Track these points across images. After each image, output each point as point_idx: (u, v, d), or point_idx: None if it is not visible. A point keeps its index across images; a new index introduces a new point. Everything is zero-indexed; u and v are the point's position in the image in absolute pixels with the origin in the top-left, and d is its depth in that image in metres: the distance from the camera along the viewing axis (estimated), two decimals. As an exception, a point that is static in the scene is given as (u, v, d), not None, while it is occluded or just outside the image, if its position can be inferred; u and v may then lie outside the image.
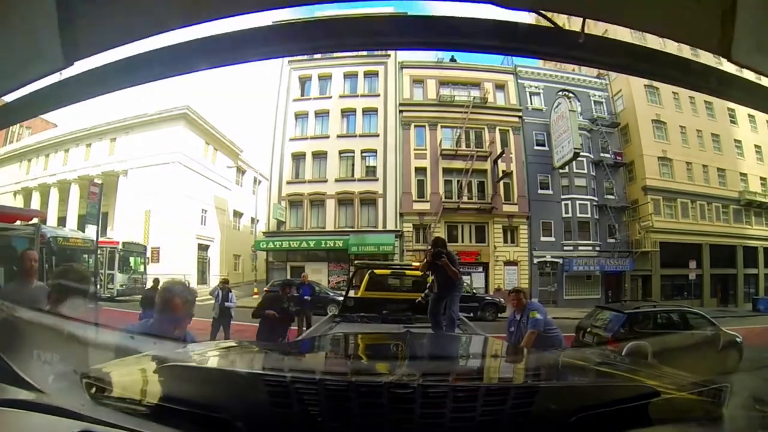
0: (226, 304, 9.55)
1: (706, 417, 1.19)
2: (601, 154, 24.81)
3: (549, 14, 1.24)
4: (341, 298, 11.99)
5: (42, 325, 2.08)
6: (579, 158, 22.91)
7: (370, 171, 24.13)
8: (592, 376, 1.63)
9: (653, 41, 2.00)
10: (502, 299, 17.51)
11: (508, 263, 23.91)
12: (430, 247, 5.55)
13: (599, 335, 8.75)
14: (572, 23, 1.29)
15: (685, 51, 1.85)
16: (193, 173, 26.51)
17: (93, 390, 1.25)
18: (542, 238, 24.09)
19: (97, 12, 1.42)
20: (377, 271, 9.71)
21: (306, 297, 10.76)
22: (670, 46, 1.54)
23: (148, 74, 1.70)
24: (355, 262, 16.99)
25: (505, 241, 24.16)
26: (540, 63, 25.41)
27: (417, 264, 8.15)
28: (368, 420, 1.01)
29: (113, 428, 0.98)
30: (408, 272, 10.39)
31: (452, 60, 26.01)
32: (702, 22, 1.23)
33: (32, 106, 1.75)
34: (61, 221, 24.80)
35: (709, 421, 1.17)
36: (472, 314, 14.03)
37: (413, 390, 1.05)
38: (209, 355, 1.87)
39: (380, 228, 23.24)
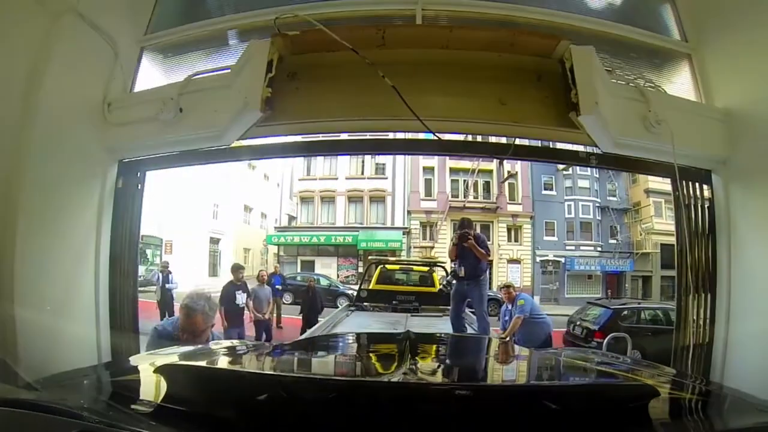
0: (167, 286, 10.37)
1: (706, 417, 1.21)
2: (605, 157, 25.50)
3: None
4: (350, 291, 13.14)
5: (42, 325, 2.12)
6: (582, 160, 23.63)
7: (380, 169, 25.05)
8: (592, 376, 1.63)
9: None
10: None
11: (511, 261, 24.69)
12: (457, 230, 5.32)
13: (587, 328, 9.78)
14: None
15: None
16: (206, 168, 27.44)
17: (93, 390, 1.29)
18: (545, 238, 24.86)
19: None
20: (388, 266, 10.77)
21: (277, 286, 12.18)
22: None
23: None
24: (369, 257, 17.97)
25: (509, 240, 24.90)
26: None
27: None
28: (369, 420, 1.02)
29: (113, 428, 0.98)
30: (416, 268, 11.56)
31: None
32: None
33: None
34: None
35: (709, 421, 1.18)
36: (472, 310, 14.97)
37: (414, 390, 1.09)
38: (209, 355, 1.90)
39: (389, 225, 24.17)
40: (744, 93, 2.62)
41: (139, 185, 2.74)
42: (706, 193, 2.73)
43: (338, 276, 23.43)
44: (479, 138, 3.14)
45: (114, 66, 2.75)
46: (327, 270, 23.27)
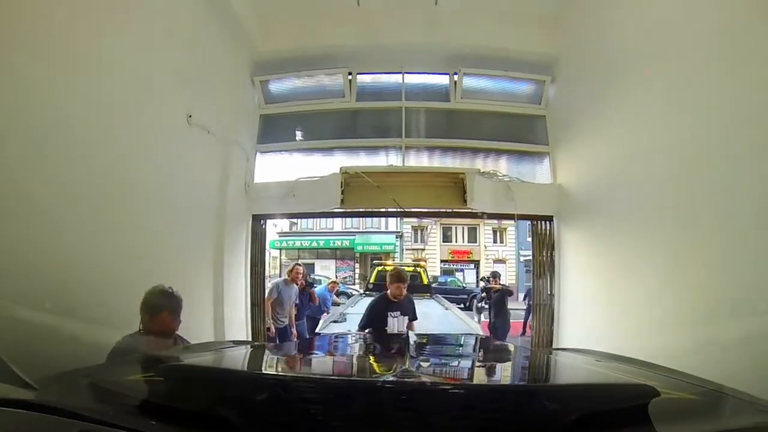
0: None
1: (706, 417, 1.24)
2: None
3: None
4: (350, 291, 16.76)
5: (42, 324, 2.20)
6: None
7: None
8: (592, 376, 1.65)
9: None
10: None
11: (497, 261, 26.87)
12: None
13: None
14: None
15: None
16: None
17: (93, 389, 1.31)
18: (528, 239, 26.85)
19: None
20: (387, 268, 14.14)
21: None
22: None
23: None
24: (373, 262, 20.89)
25: (495, 241, 27.19)
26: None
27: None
28: (368, 419, 1.04)
29: (113, 428, 0.99)
30: (407, 268, 14.78)
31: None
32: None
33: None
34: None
35: (709, 421, 1.20)
36: (462, 306, 17.08)
37: (414, 389, 1.12)
38: (209, 355, 1.95)
39: (383, 229, 26.49)
40: (569, 176, 5.40)
41: (264, 225, 5.50)
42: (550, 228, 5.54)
43: (337, 277, 25.46)
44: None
45: (247, 164, 5.50)
46: (326, 272, 25.31)
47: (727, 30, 2.76)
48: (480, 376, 1.73)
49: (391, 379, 1.25)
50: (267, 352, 2.45)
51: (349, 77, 5.59)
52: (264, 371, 1.66)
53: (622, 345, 3.27)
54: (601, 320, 4.36)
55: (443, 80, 5.75)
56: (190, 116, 4.14)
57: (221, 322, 4.73)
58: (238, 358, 1.99)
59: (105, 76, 3.02)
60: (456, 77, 5.58)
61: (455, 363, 1.97)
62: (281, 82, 5.70)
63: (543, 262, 5.48)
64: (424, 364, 1.65)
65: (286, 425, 1.03)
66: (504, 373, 1.86)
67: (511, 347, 2.95)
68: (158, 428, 1.04)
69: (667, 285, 3.27)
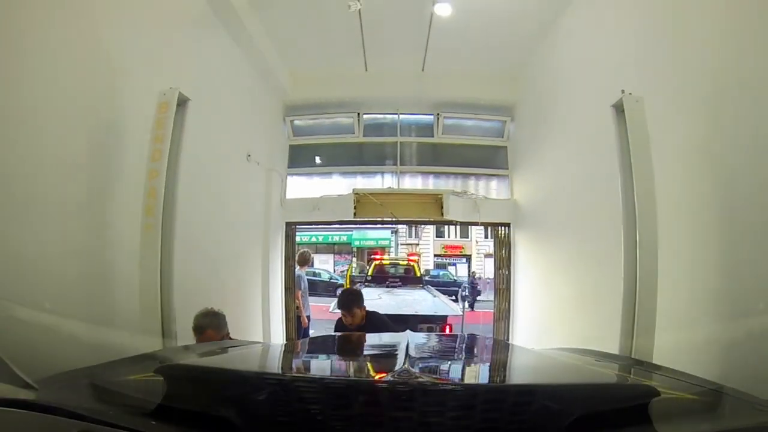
0: None
1: (705, 417, 1.26)
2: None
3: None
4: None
5: (42, 324, 2.26)
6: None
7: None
8: (592, 376, 1.66)
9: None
10: (478, 285, 23.40)
11: (487, 255, 29.02)
12: None
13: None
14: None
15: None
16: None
17: (93, 389, 1.33)
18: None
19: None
20: (384, 262, 16.23)
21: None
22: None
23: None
24: (371, 256, 23.02)
25: (485, 237, 29.33)
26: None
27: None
28: (369, 419, 1.06)
29: (113, 428, 1.01)
30: (400, 263, 16.87)
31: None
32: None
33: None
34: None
35: (709, 421, 1.23)
36: (453, 297, 18.94)
37: (413, 389, 1.12)
38: (209, 355, 2.01)
39: (378, 225, 28.54)
40: (522, 193, 7.46)
41: (294, 230, 7.54)
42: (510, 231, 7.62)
43: (335, 270, 27.51)
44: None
45: (281, 184, 7.52)
46: (325, 265, 27.38)
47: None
48: (480, 376, 1.81)
49: (390, 379, 1.25)
50: (267, 351, 2.52)
51: (358, 117, 7.67)
52: (264, 371, 1.73)
53: (551, 320, 5.67)
54: (541, 301, 6.37)
55: (429, 119, 7.89)
56: (249, 155, 6.14)
57: (267, 301, 6.78)
58: (238, 358, 2.04)
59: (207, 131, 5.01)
60: (439, 118, 7.68)
61: (455, 363, 2.00)
62: (306, 121, 7.82)
63: (502, 257, 7.56)
64: (425, 364, 1.66)
65: (286, 425, 1.05)
66: (504, 373, 1.88)
67: (511, 347, 3.05)
68: (158, 428, 1.06)
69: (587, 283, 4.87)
